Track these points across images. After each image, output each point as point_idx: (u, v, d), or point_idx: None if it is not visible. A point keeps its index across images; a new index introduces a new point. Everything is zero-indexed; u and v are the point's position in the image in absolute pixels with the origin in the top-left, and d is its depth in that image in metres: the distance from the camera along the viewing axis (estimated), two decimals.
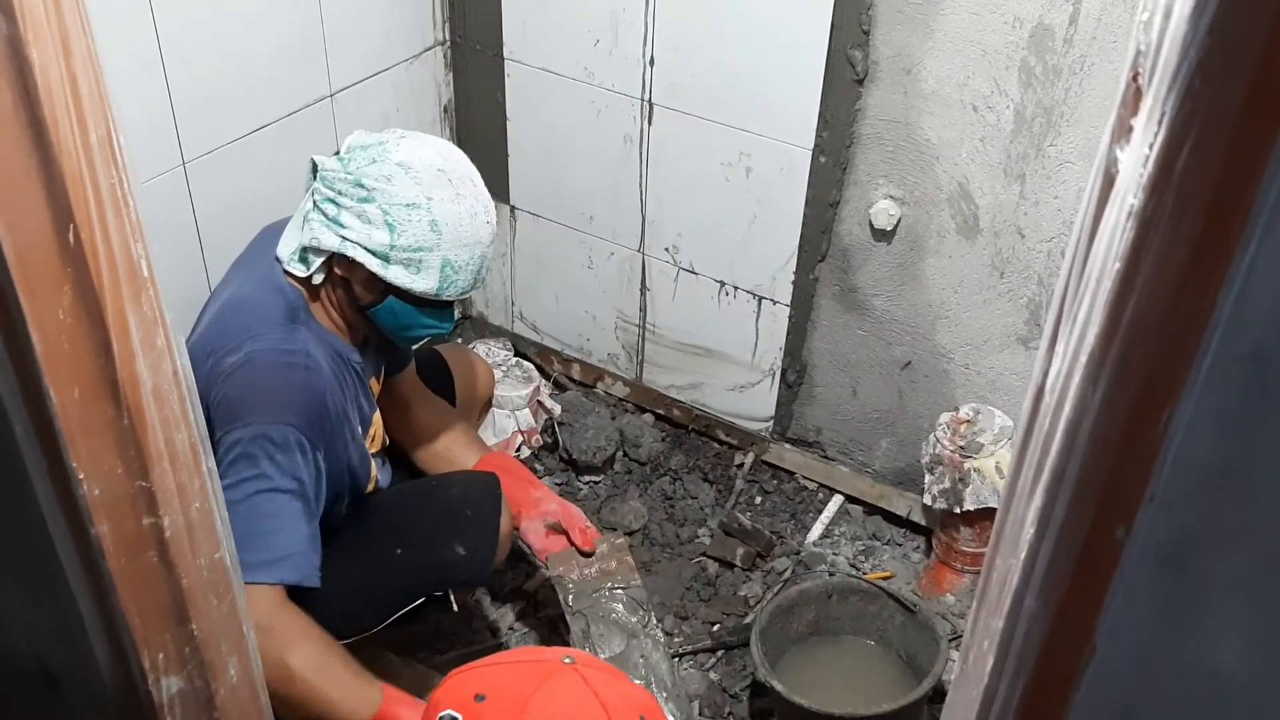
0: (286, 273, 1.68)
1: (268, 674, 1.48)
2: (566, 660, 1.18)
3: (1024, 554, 0.58)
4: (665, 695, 1.82)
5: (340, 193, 1.60)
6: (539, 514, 1.94)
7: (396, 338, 1.75)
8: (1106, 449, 0.52)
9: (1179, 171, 0.46)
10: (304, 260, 1.66)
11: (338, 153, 1.65)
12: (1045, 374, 0.58)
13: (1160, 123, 0.46)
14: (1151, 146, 0.46)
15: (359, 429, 1.77)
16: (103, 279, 0.97)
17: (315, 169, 1.65)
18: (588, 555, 1.92)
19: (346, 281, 1.67)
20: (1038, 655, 0.59)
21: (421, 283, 1.62)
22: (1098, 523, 0.54)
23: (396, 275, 1.61)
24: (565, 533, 1.94)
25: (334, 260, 1.65)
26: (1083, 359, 0.52)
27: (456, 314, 1.77)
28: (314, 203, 1.63)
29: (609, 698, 1.14)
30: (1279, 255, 0.45)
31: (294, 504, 1.57)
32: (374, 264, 1.60)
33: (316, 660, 1.53)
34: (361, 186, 1.58)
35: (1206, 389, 0.48)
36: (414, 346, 1.83)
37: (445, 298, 1.66)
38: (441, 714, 1.13)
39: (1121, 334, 0.50)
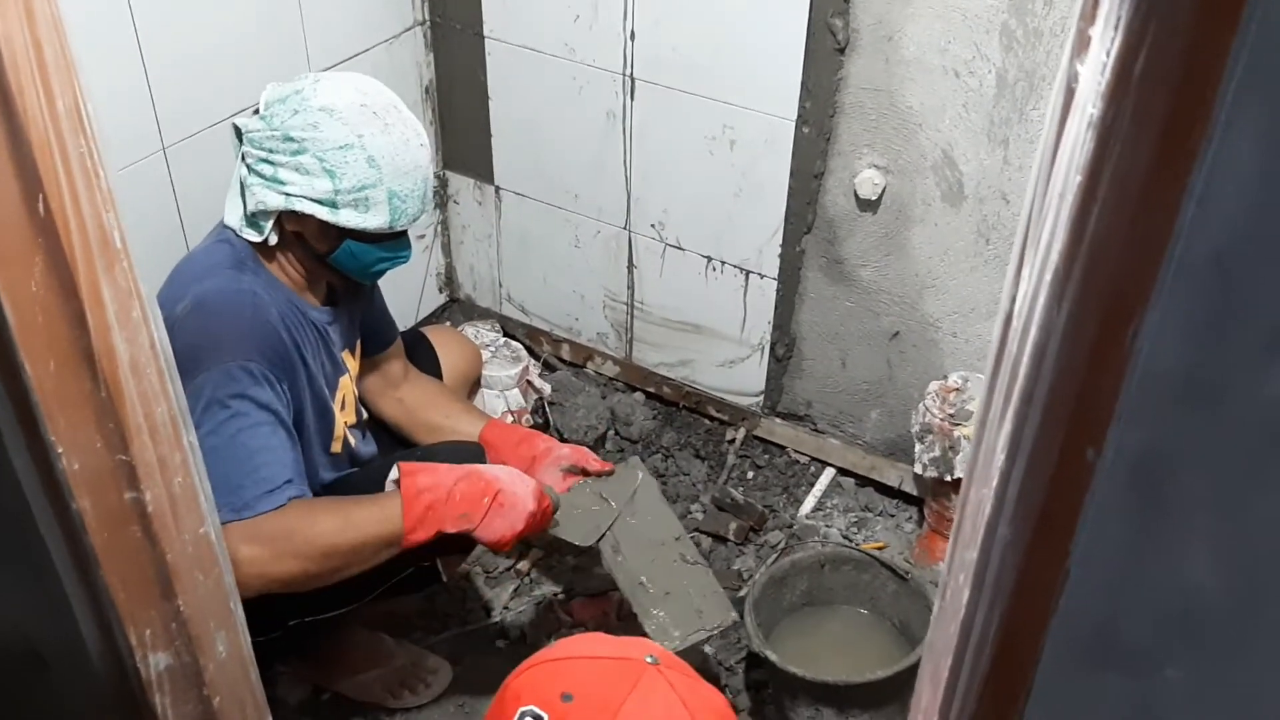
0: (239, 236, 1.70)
1: (310, 564, 1.55)
2: (649, 660, 1.16)
3: (995, 482, 0.58)
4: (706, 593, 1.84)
5: (272, 150, 1.61)
6: (552, 460, 1.94)
7: (362, 277, 1.77)
8: (1074, 368, 0.52)
9: (1136, 76, 0.45)
10: (254, 226, 1.68)
11: (257, 111, 1.66)
12: (1013, 299, 0.57)
13: (1116, 28, 0.45)
14: (1108, 53, 0.46)
15: (320, 384, 1.77)
16: (74, 249, 0.96)
17: (239, 133, 1.66)
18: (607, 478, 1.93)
19: (299, 235, 1.68)
20: (1013, 583, 0.59)
21: (373, 219, 1.64)
22: (1068, 444, 0.54)
23: (348, 218, 1.62)
24: (580, 472, 1.94)
25: (283, 218, 1.66)
26: (1047, 278, 0.52)
27: (412, 242, 1.79)
28: (248, 166, 1.65)
29: (694, 705, 1.13)
30: (1239, 157, 0.44)
31: (277, 433, 1.60)
32: (323, 212, 1.62)
33: (336, 522, 1.58)
34: (291, 140, 1.60)
35: (1171, 300, 0.48)
36: (376, 280, 1.86)
37: (399, 228, 1.68)
38: (523, 709, 1.10)
39: (1085, 248, 0.49)
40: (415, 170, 1.66)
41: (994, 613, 0.61)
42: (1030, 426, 0.55)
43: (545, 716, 1.09)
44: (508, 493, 1.66)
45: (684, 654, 1.78)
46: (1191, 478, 0.52)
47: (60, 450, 1.01)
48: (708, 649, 2.11)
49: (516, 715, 1.10)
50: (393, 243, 1.73)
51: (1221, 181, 0.45)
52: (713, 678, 2.06)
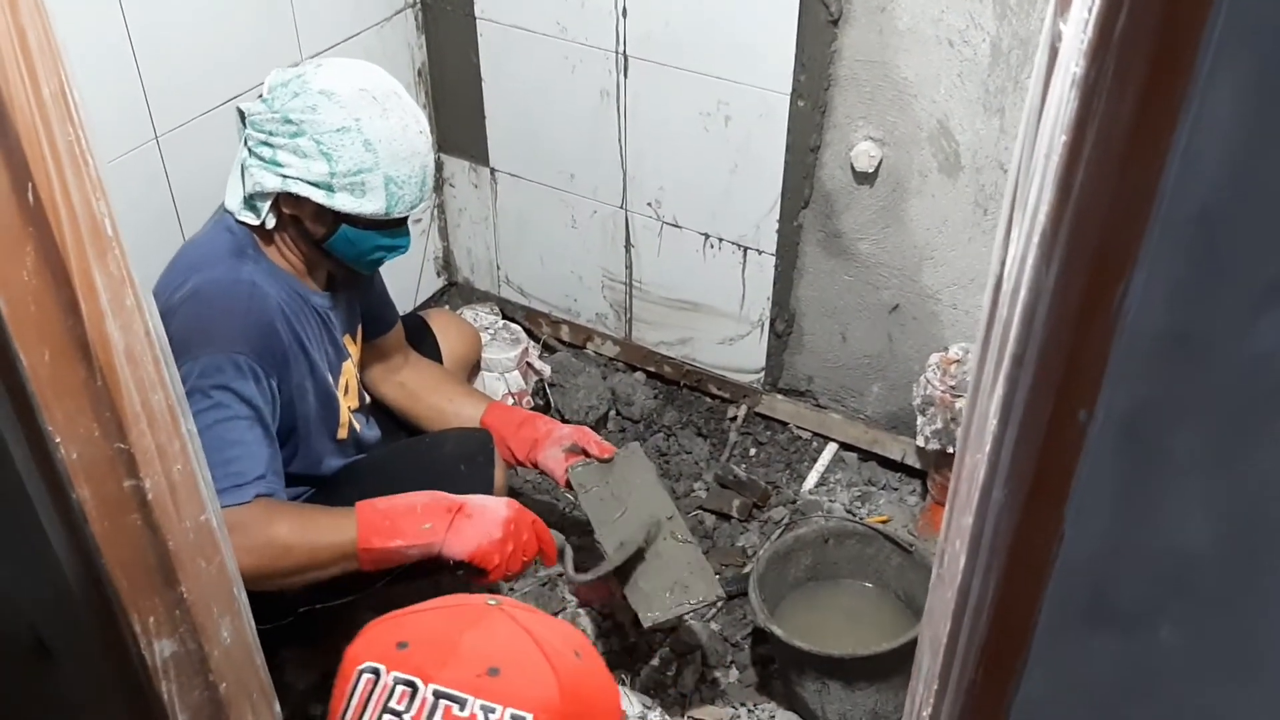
0: (239, 220, 1.70)
1: (264, 560, 1.53)
2: (492, 602, 1.13)
3: (989, 447, 0.58)
4: (694, 574, 1.81)
5: (271, 133, 1.61)
6: (554, 441, 1.94)
7: (359, 265, 1.76)
8: (1063, 330, 0.52)
9: (1118, 33, 0.45)
10: (252, 208, 1.68)
11: (262, 96, 1.65)
12: (1002, 263, 0.57)
13: None
14: (1090, 10, 0.45)
15: (323, 371, 1.77)
16: (65, 238, 0.96)
17: (243, 116, 1.66)
18: (606, 463, 1.93)
19: (297, 219, 1.68)
20: (1009, 547, 0.59)
21: (369, 205, 1.63)
22: (1059, 406, 0.54)
23: (343, 202, 1.62)
24: (581, 452, 1.93)
25: (280, 200, 1.66)
26: (1035, 239, 0.51)
27: (411, 231, 1.78)
28: (249, 149, 1.65)
29: (541, 633, 1.09)
30: (1222, 112, 0.44)
31: (254, 429, 1.59)
32: (319, 195, 1.61)
33: (295, 523, 1.57)
34: (290, 122, 1.59)
35: (1158, 257, 0.47)
36: (375, 270, 1.85)
37: (395, 215, 1.67)
38: (360, 667, 1.06)
39: (1071, 208, 0.49)
40: (413, 157, 1.65)
41: (990, 577, 0.61)
42: (1021, 390, 0.55)
43: (382, 668, 1.05)
44: (474, 505, 1.64)
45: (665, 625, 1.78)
46: (1183, 436, 0.51)
47: (58, 440, 1.01)
48: (714, 626, 2.11)
49: (354, 674, 1.06)
50: (391, 231, 1.72)
51: (1205, 137, 0.45)
52: (719, 655, 2.07)
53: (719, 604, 1.83)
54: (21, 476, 1.02)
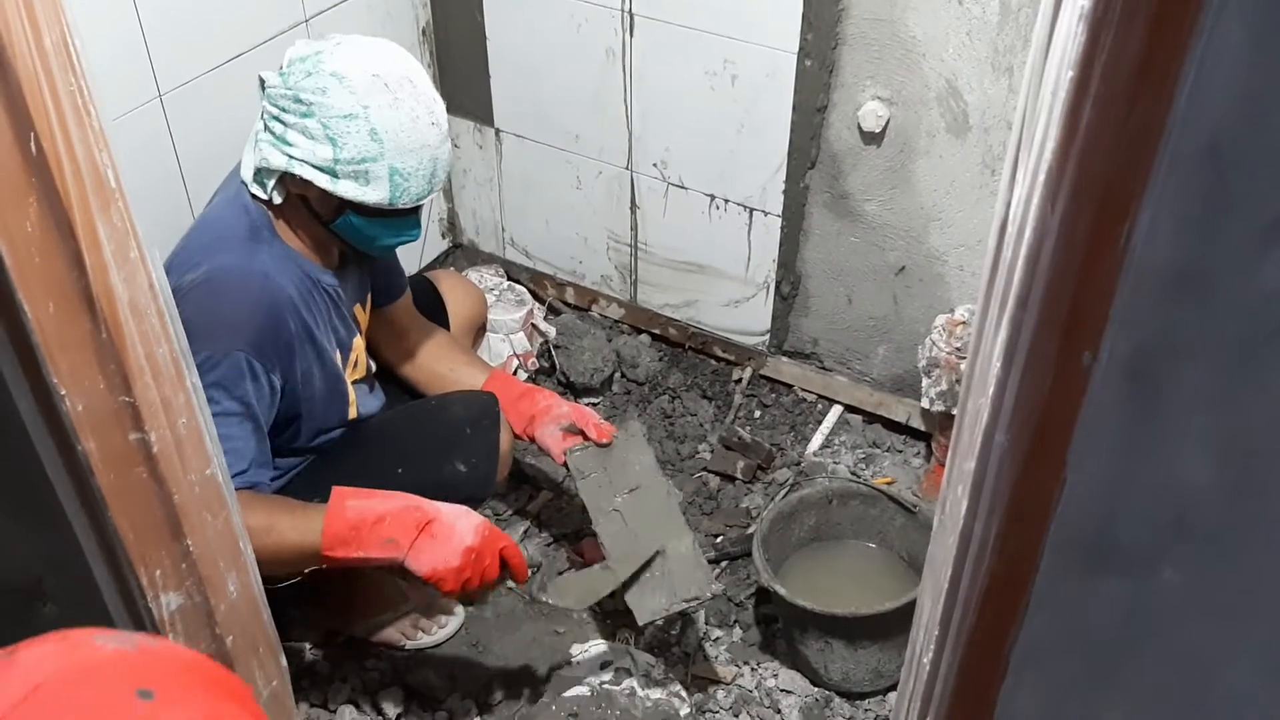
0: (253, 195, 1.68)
1: None
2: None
3: (992, 390, 0.58)
4: (693, 581, 1.80)
5: (284, 109, 1.58)
6: (552, 418, 1.93)
7: (366, 249, 1.74)
8: (1068, 270, 0.52)
9: None
10: (259, 182, 1.65)
11: (281, 68, 1.63)
12: (1008, 205, 0.57)
13: None
14: None
15: (332, 352, 1.76)
16: (69, 189, 0.95)
17: (264, 86, 1.63)
18: (604, 447, 1.92)
19: (305, 199, 1.66)
20: (1011, 491, 0.59)
21: (372, 194, 1.60)
22: (1063, 349, 0.53)
23: (347, 189, 1.59)
24: (580, 432, 1.93)
25: (287, 179, 1.63)
26: (1041, 178, 0.51)
27: (423, 220, 1.75)
28: (264, 123, 1.62)
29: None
30: (1231, 46, 0.44)
31: (244, 425, 1.59)
32: (323, 180, 1.59)
33: (261, 523, 1.55)
34: (300, 102, 1.56)
35: (1165, 194, 0.47)
36: (387, 256, 1.83)
37: (400, 206, 1.63)
38: None
39: (1078, 144, 0.48)
40: (421, 149, 1.61)
41: (992, 522, 0.61)
42: (1026, 332, 0.55)
43: None
44: (443, 524, 1.60)
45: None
46: (1187, 376, 0.51)
47: (64, 392, 1.01)
48: (718, 586, 2.11)
49: None
50: (398, 220, 1.69)
51: (1214, 69, 0.44)
52: (722, 615, 2.08)
53: (713, 598, 1.83)
54: (28, 428, 1.03)
